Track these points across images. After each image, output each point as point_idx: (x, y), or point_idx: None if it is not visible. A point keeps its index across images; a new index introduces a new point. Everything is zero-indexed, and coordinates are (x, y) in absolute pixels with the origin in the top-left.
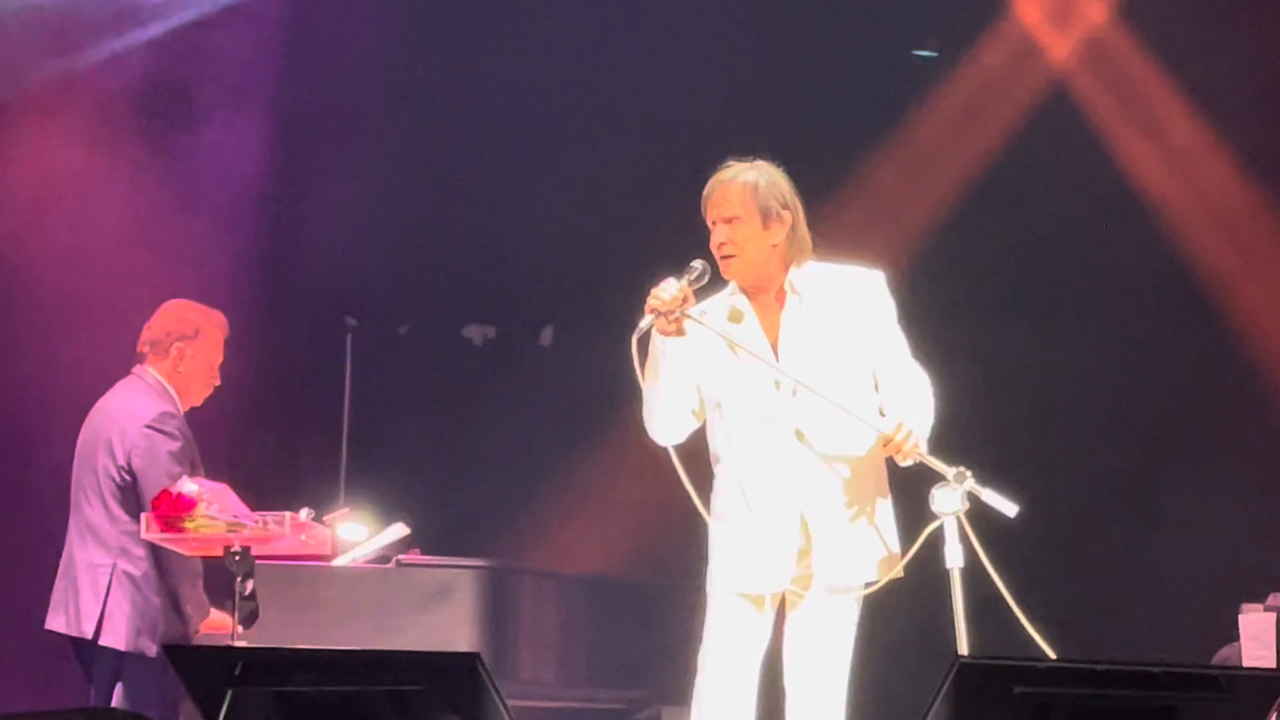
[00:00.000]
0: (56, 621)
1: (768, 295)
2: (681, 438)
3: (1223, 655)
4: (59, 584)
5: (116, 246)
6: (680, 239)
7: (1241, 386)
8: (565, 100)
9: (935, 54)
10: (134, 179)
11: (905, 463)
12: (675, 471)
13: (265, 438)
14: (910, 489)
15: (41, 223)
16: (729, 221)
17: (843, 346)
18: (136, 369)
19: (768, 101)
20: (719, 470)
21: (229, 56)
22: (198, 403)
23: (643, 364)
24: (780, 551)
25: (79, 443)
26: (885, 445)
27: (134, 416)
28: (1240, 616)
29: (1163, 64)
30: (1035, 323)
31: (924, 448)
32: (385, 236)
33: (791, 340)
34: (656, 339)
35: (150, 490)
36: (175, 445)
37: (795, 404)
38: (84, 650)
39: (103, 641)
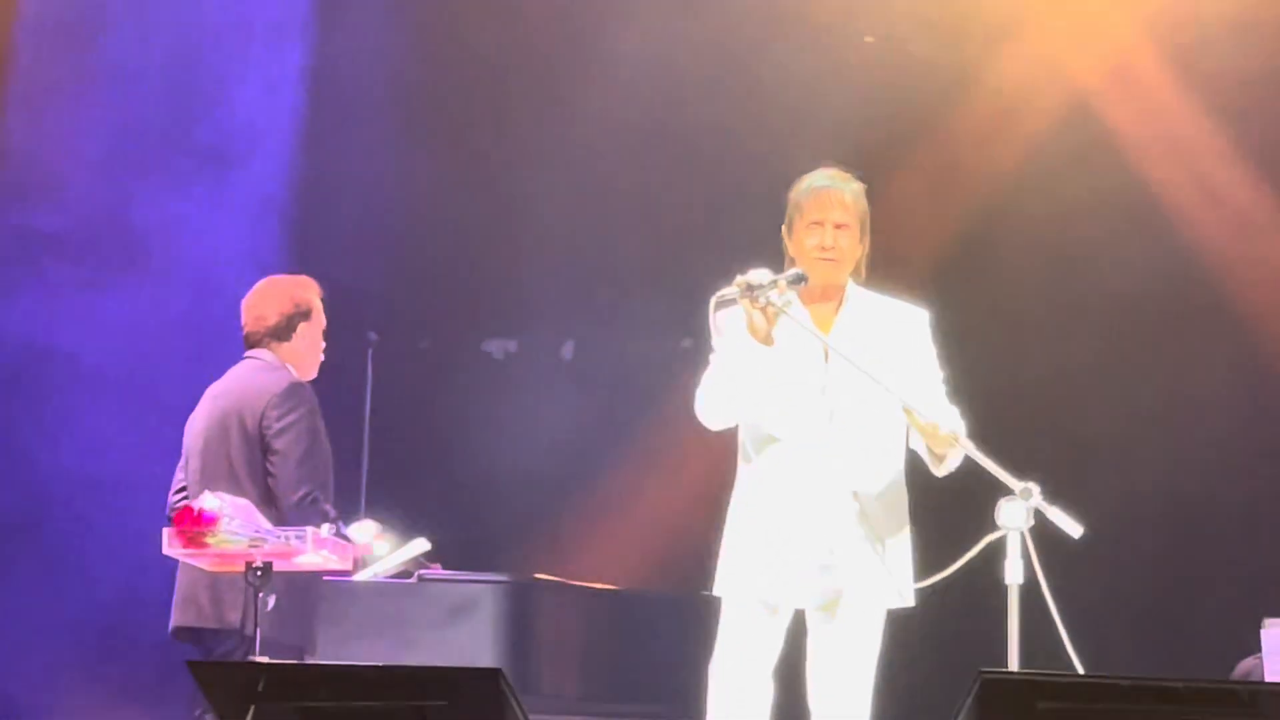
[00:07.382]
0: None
1: (824, 306)
2: (732, 424)
3: (1243, 669)
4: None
5: None
6: (703, 254)
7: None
8: (590, 113)
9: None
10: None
11: (944, 470)
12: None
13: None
14: (946, 504)
15: None
16: (839, 227)
17: (886, 367)
18: (253, 353)
19: (786, 114)
20: (746, 469)
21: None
22: (314, 375)
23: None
24: (805, 562)
25: (197, 429)
26: (930, 436)
27: (261, 391)
28: (1263, 632)
29: (1191, 85)
30: (1063, 341)
31: (971, 449)
32: (406, 251)
33: (841, 349)
34: (751, 347)
35: (283, 464)
36: (306, 414)
37: (835, 414)
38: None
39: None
